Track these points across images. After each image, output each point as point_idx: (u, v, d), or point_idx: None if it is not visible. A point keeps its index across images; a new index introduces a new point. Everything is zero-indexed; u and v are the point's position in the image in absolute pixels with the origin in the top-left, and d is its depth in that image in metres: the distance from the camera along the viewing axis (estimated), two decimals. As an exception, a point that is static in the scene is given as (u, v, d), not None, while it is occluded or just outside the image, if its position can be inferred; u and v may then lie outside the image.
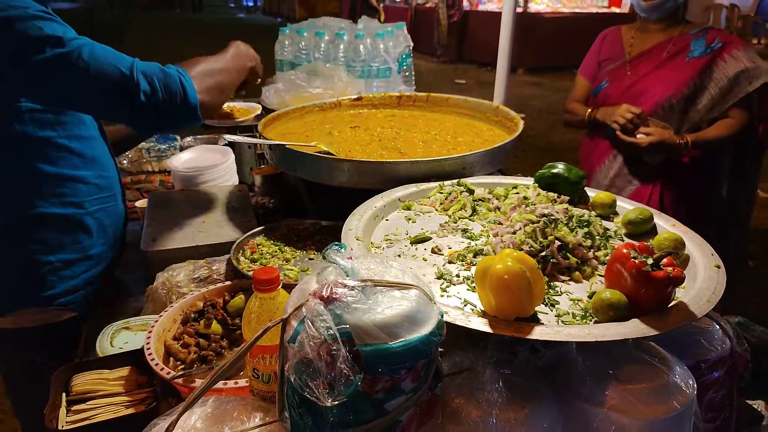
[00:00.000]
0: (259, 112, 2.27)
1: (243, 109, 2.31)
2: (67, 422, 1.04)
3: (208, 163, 2.10)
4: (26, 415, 1.65)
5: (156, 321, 1.20)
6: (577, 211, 1.24)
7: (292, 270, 1.41)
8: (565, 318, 0.97)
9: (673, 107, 2.28)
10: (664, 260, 0.94)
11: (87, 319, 1.48)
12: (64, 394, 1.10)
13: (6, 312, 1.48)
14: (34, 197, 1.41)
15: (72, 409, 1.08)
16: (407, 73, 2.61)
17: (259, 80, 1.75)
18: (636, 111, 2.24)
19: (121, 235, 1.70)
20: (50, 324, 1.49)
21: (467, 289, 1.05)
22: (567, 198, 1.33)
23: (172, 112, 1.34)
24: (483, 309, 0.95)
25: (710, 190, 2.43)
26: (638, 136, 2.24)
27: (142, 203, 1.93)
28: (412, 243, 1.24)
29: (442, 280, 1.08)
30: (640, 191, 2.36)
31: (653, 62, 2.34)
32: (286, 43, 2.59)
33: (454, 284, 1.07)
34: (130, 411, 1.06)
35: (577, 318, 0.97)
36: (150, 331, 1.16)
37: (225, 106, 2.07)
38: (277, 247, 1.53)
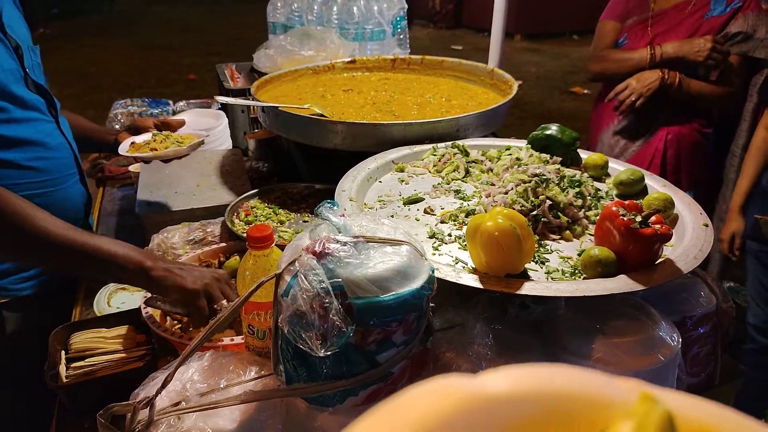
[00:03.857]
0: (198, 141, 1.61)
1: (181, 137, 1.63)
2: (67, 377, 1.06)
3: (202, 127, 2.08)
4: None
5: (152, 281, 1.21)
6: (568, 172, 1.25)
7: (286, 232, 1.42)
8: (554, 275, 0.99)
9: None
10: (653, 218, 0.95)
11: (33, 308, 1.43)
12: (63, 352, 1.12)
13: None
14: None
15: (71, 366, 1.10)
16: (402, 36, 2.57)
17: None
18: (721, 42, 2.10)
19: (79, 218, 1.54)
20: None
21: (459, 248, 1.07)
22: (560, 159, 1.34)
23: None
24: (474, 266, 0.97)
25: (714, 163, 2.38)
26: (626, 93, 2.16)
27: (135, 167, 1.92)
28: (405, 204, 1.25)
29: (434, 239, 1.10)
30: (640, 155, 2.33)
31: (673, 20, 2.25)
32: (279, 4, 2.55)
33: (446, 243, 1.09)
34: (129, 367, 1.08)
35: (567, 275, 0.99)
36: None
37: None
38: (272, 210, 1.53)
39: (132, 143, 1.57)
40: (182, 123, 1.70)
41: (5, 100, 1.30)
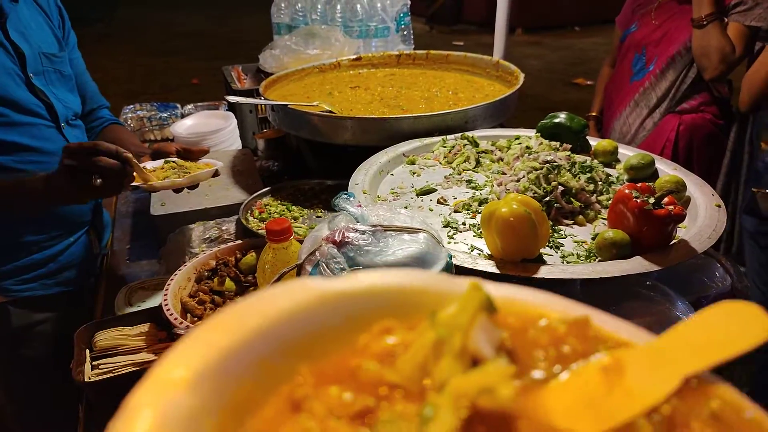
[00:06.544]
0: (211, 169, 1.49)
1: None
2: (92, 375, 1.08)
3: (211, 128, 2.11)
4: None
5: (171, 279, 1.23)
6: (579, 158, 1.26)
7: (300, 227, 1.44)
8: (569, 258, 1.00)
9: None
10: (665, 199, 0.96)
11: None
12: (87, 350, 1.14)
13: None
14: None
15: (96, 364, 1.12)
16: (405, 32, 2.58)
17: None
18: None
19: (85, 221, 1.60)
20: None
21: (473, 236, 1.08)
22: (569, 146, 1.35)
23: None
24: (489, 252, 0.98)
25: (728, 154, 2.34)
26: None
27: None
28: (417, 195, 1.26)
29: (448, 228, 1.11)
30: (650, 142, 2.27)
31: (678, 5, 2.20)
32: (283, 5, 2.56)
33: (461, 231, 1.10)
34: (152, 364, 1.10)
35: (582, 258, 1.00)
36: (166, 289, 1.19)
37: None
38: (285, 207, 1.55)
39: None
40: (205, 151, 1.59)
41: (1, 105, 1.34)
